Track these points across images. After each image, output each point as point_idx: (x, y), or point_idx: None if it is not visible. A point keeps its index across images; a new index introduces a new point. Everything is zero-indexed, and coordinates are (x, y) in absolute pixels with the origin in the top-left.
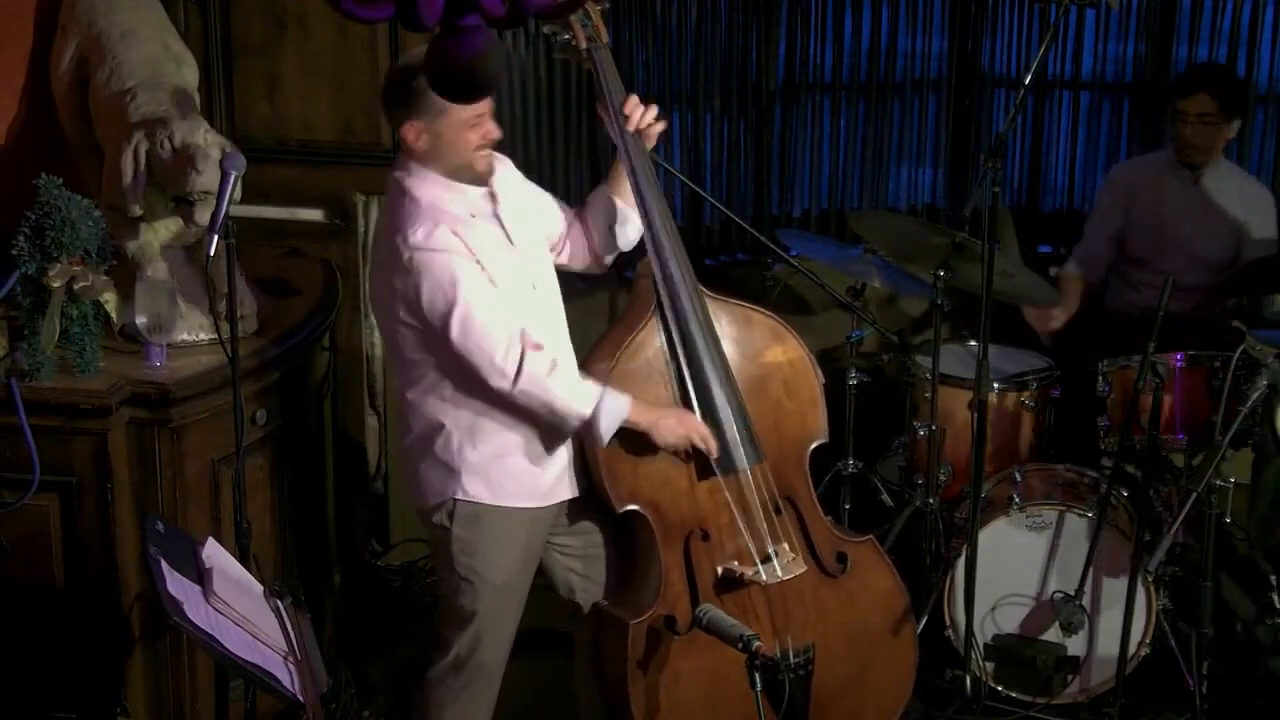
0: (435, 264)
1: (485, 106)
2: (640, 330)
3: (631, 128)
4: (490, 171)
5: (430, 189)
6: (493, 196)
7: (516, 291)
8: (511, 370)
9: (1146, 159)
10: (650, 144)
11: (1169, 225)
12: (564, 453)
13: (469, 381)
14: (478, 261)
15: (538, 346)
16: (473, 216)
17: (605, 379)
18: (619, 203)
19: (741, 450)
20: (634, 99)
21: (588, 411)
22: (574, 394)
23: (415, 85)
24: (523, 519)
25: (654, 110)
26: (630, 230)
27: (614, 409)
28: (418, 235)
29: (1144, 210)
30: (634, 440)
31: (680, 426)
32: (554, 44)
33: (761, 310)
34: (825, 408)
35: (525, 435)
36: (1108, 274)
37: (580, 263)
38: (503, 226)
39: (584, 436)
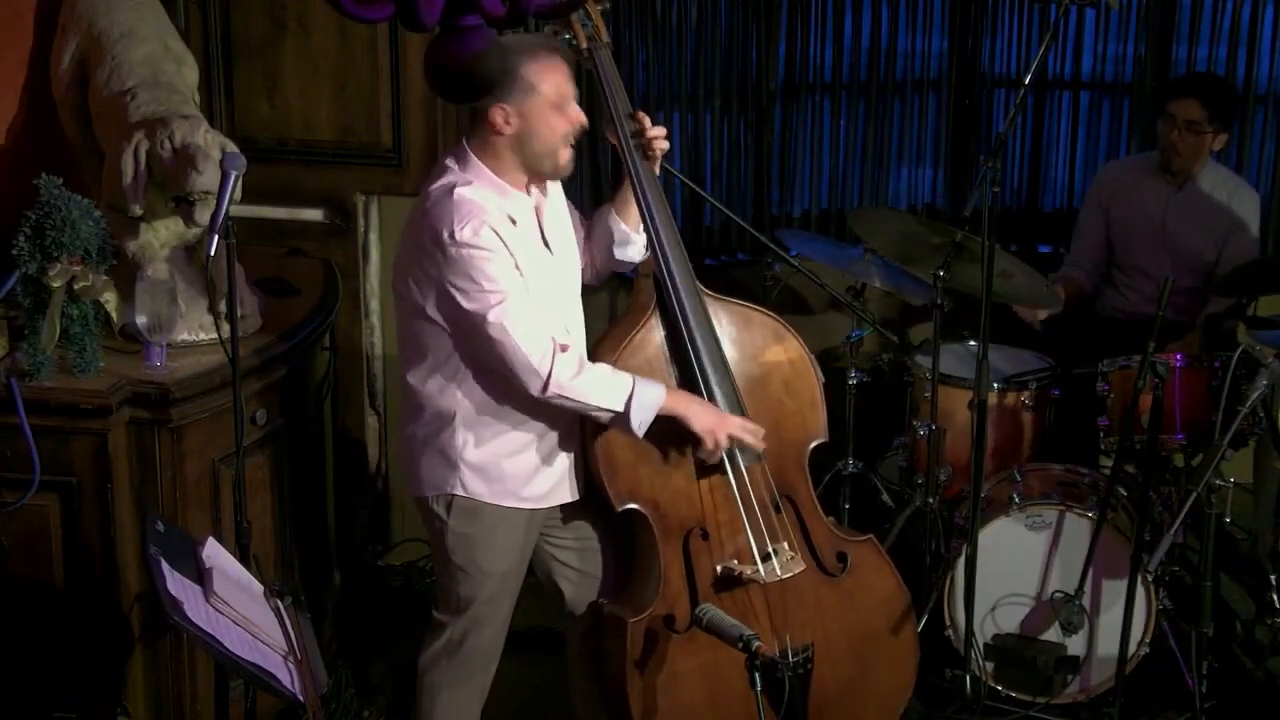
0: (479, 261)
1: (571, 89)
2: (640, 328)
3: (642, 137)
4: (569, 167)
5: (480, 190)
6: (537, 209)
7: (542, 296)
8: (545, 372)
9: (1132, 160)
10: (655, 163)
11: (1153, 226)
12: (566, 457)
13: (485, 379)
14: (516, 265)
15: (564, 348)
16: (514, 223)
17: None
18: (623, 225)
19: (740, 449)
20: (643, 117)
21: (619, 407)
22: (605, 391)
23: (504, 66)
24: (520, 516)
25: (661, 129)
26: (631, 251)
27: (647, 402)
28: (464, 232)
29: (1126, 211)
30: (634, 440)
31: (715, 413)
32: None
33: (762, 310)
34: (825, 407)
35: (531, 437)
36: (1100, 279)
37: (586, 275)
38: (543, 234)
39: (617, 427)
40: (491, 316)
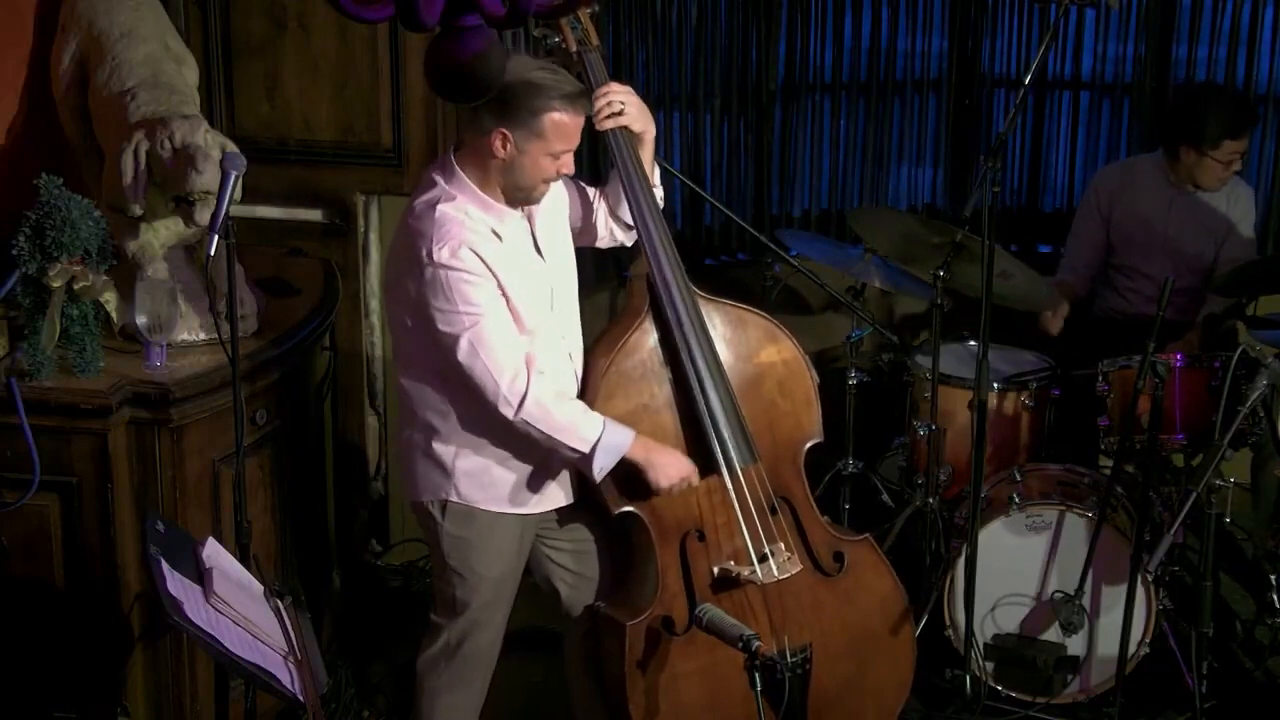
0: (455, 283)
1: (575, 143)
2: (634, 331)
3: (597, 115)
4: (540, 200)
5: (464, 206)
6: (529, 217)
7: (535, 305)
8: (516, 399)
9: (1129, 163)
10: (614, 125)
11: (1155, 230)
12: (560, 461)
13: (470, 393)
14: (498, 283)
15: (540, 373)
16: (499, 237)
17: (601, 379)
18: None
19: (735, 450)
20: (604, 88)
21: (585, 449)
22: (573, 428)
23: (523, 98)
24: (515, 521)
25: (612, 104)
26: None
27: (613, 445)
28: (443, 253)
29: (1127, 216)
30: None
31: (680, 467)
32: (544, 47)
33: (755, 311)
34: (820, 407)
35: (523, 445)
36: (1094, 282)
37: (605, 242)
38: (534, 240)
39: (579, 466)
40: (463, 340)
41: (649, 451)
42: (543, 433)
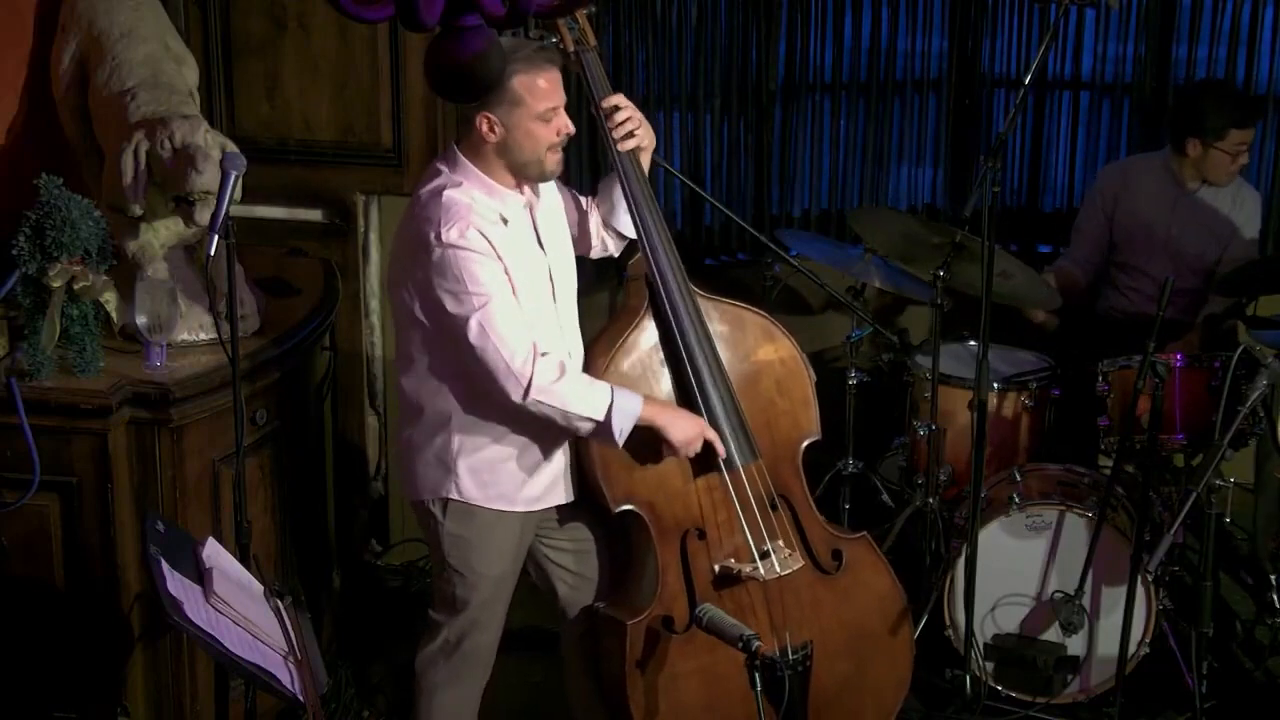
0: (464, 263)
1: (559, 99)
2: (633, 329)
3: (614, 134)
4: (558, 171)
5: (469, 191)
6: (530, 206)
7: (536, 296)
8: (525, 378)
9: (1133, 161)
10: (631, 146)
11: (1158, 230)
12: (560, 459)
13: (474, 385)
14: (504, 267)
15: (544, 354)
16: (505, 222)
17: (599, 377)
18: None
19: (736, 448)
20: (615, 100)
21: (600, 415)
22: (585, 398)
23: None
24: (515, 519)
25: (628, 122)
26: (629, 221)
27: (626, 409)
28: (451, 233)
29: (1131, 215)
30: (631, 440)
31: (695, 422)
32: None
33: (753, 309)
34: (817, 405)
35: (523, 442)
36: (1098, 280)
37: (596, 251)
38: (536, 232)
39: (598, 439)
40: (474, 320)
41: (663, 411)
42: (555, 409)
